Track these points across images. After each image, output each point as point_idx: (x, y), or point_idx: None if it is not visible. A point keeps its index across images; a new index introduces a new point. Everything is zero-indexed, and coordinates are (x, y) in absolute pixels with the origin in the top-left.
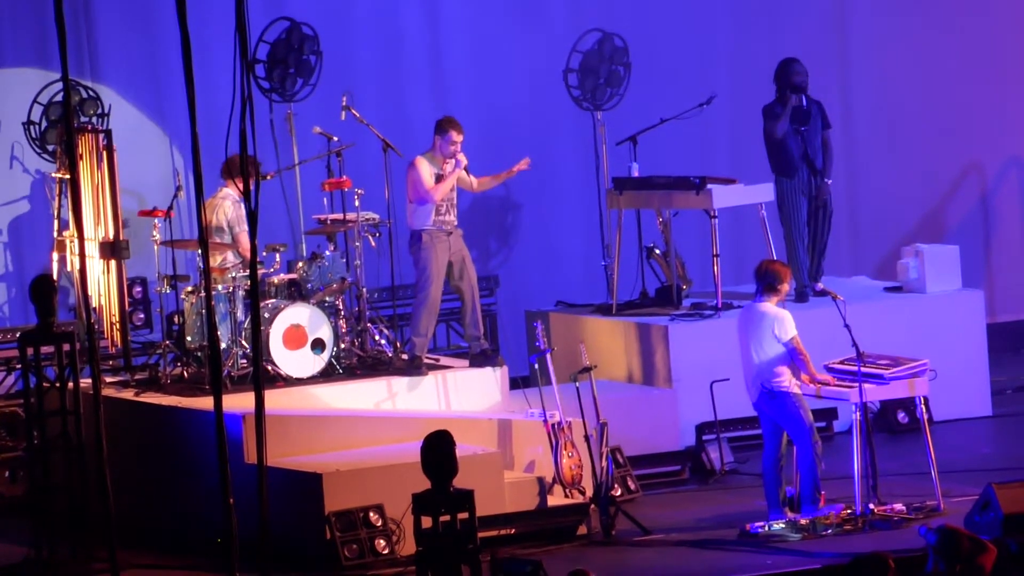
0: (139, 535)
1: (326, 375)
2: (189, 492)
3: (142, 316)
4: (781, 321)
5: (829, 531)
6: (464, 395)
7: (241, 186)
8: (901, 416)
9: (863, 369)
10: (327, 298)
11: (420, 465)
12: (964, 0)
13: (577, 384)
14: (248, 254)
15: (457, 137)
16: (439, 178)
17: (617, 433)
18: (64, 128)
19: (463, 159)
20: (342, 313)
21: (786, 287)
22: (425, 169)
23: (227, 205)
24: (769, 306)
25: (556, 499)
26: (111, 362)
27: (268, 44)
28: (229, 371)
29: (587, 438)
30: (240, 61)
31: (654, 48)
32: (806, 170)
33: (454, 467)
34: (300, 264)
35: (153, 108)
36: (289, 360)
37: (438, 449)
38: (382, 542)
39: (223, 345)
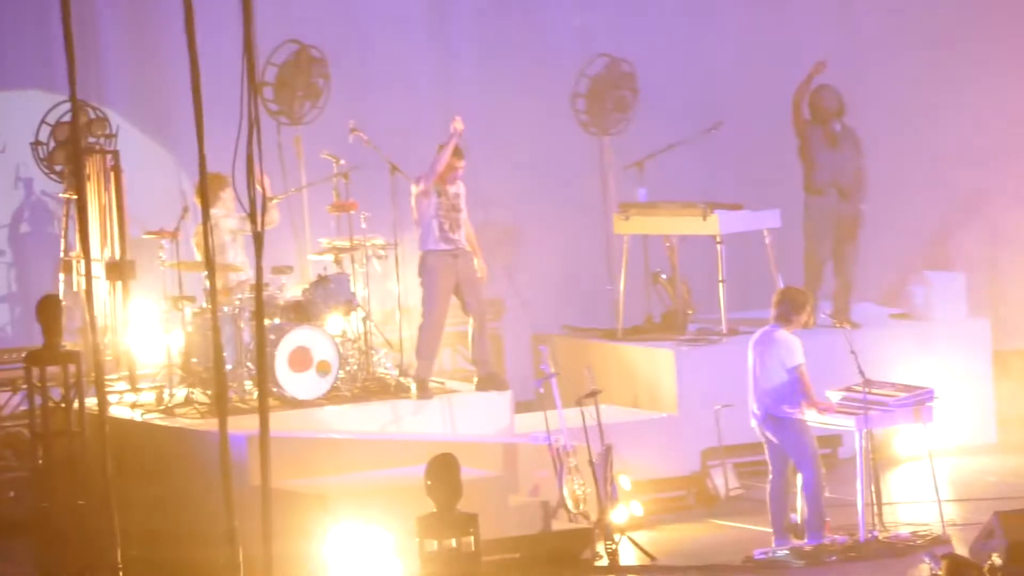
0: (143, 556)
1: (331, 398)
2: (193, 513)
3: (147, 337)
4: (789, 348)
5: (833, 558)
6: (469, 419)
7: (223, 204)
8: (906, 444)
9: (868, 396)
10: (333, 321)
11: (425, 488)
12: (970, 33)
13: (582, 408)
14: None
15: (458, 163)
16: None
17: (622, 458)
18: (72, 148)
19: (459, 125)
20: (347, 336)
21: (803, 318)
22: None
23: (220, 224)
24: (781, 332)
25: (561, 524)
26: (116, 383)
27: (276, 67)
28: (234, 392)
29: (592, 463)
30: (248, 84)
31: (662, 74)
32: (834, 193)
33: (459, 490)
34: (306, 286)
35: (159, 130)
36: (294, 382)
37: (443, 472)
38: (387, 565)
39: (229, 367)
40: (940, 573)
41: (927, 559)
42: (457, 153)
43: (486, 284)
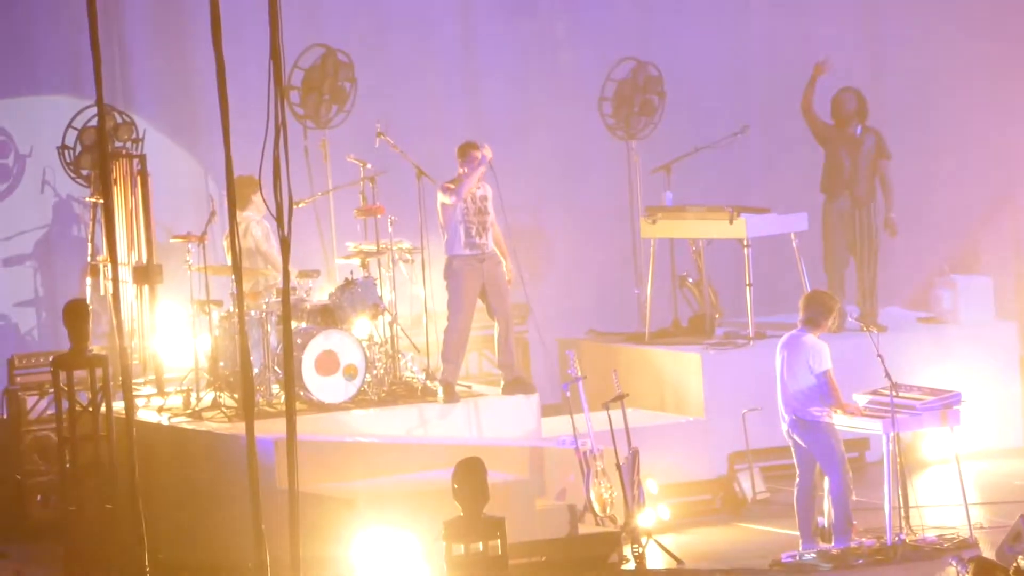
0: (171, 559)
1: (358, 401)
2: (221, 516)
3: (175, 341)
4: (817, 352)
5: (860, 561)
6: (496, 422)
7: (255, 207)
8: (933, 447)
9: (895, 399)
10: (359, 325)
11: (452, 492)
12: (998, 35)
13: (609, 412)
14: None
15: (478, 153)
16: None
17: (649, 462)
18: (98, 153)
19: (488, 152)
20: (374, 339)
21: (830, 322)
22: (450, 184)
23: (253, 227)
24: (809, 337)
25: (587, 527)
26: (143, 386)
27: (303, 71)
28: (261, 396)
29: (619, 466)
30: (274, 87)
31: (688, 77)
32: (848, 198)
33: (485, 494)
34: (333, 290)
35: (185, 135)
36: (321, 386)
37: (470, 476)
38: (414, 569)
39: (256, 370)
40: None
41: (954, 562)
42: (475, 145)
43: (512, 288)
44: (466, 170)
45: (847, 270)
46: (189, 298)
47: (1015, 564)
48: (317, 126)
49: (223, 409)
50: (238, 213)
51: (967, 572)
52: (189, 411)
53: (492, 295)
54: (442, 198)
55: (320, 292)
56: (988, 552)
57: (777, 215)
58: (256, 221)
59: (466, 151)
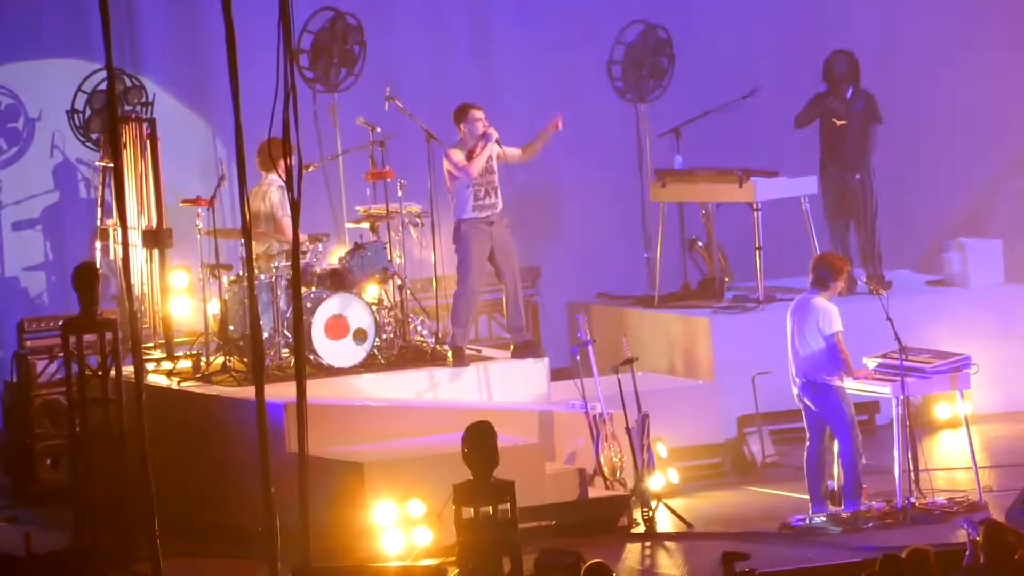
0: (180, 523)
1: (368, 365)
2: (230, 480)
3: (185, 305)
4: (827, 314)
5: (870, 524)
6: (505, 386)
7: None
8: (943, 410)
9: (905, 363)
10: (369, 288)
11: (461, 456)
12: None
13: (619, 376)
14: (290, 240)
15: (479, 114)
16: (471, 157)
17: (658, 425)
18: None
19: (493, 132)
20: (384, 303)
21: (839, 284)
22: (456, 154)
23: (273, 191)
24: (819, 299)
25: (597, 491)
26: (153, 351)
27: (312, 34)
28: (271, 360)
29: (628, 430)
30: (284, 51)
31: (697, 40)
32: (838, 163)
33: (495, 458)
34: (343, 254)
35: (195, 99)
36: (331, 350)
37: (479, 440)
38: (423, 532)
39: (265, 334)
40: (979, 539)
41: (965, 525)
42: (473, 106)
43: (522, 251)
44: (465, 131)
45: (848, 234)
46: (199, 262)
47: None
48: (326, 90)
49: (232, 373)
50: (263, 175)
51: (978, 535)
52: (199, 375)
53: (501, 258)
54: (449, 167)
55: (330, 256)
56: (998, 515)
57: (787, 178)
58: (279, 186)
59: (464, 113)
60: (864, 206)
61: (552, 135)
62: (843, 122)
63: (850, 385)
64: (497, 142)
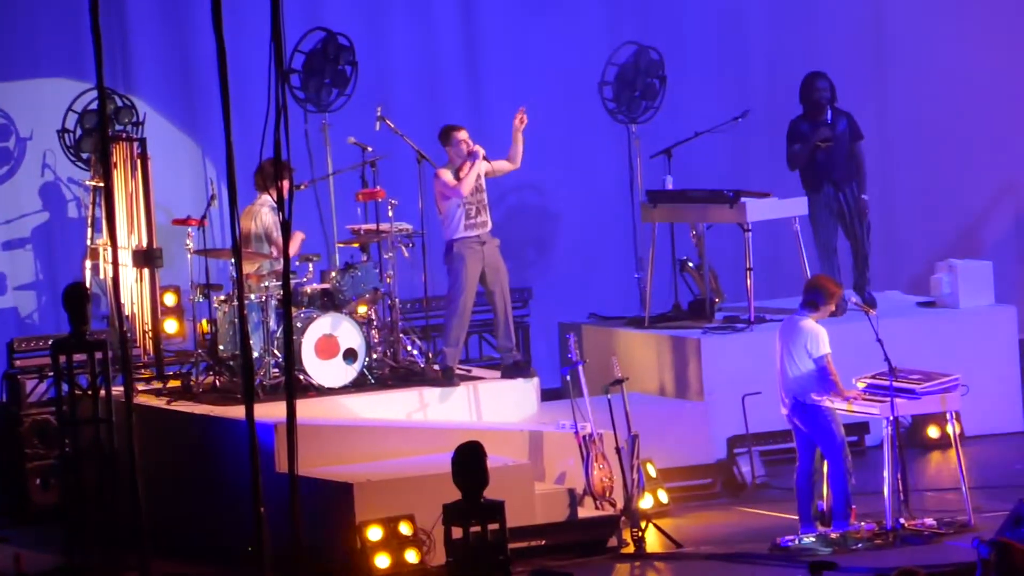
0: (170, 543)
1: (358, 385)
2: (220, 501)
3: (177, 326)
4: (815, 337)
5: (860, 545)
6: (496, 406)
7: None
8: (933, 431)
9: (895, 384)
10: (360, 308)
11: (451, 476)
12: (1003, 15)
13: (609, 396)
14: (292, 256)
15: (462, 135)
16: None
17: (649, 446)
18: (99, 136)
19: (479, 150)
20: (374, 323)
21: (830, 307)
22: (446, 174)
23: (265, 212)
24: (808, 321)
25: (587, 511)
26: (143, 371)
27: (303, 54)
28: (261, 380)
29: (618, 450)
30: (275, 71)
31: (690, 61)
32: (830, 186)
33: (485, 478)
34: (333, 274)
35: (185, 119)
36: (321, 370)
37: (469, 460)
38: (413, 552)
39: (255, 354)
40: (989, 559)
41: (975, 544)
42: (456, 128)
43: (513, 272)
44: (452, 153)
45: (837, 257)
46: (189, 282)
47: None
48: (318, 110)
49: (223, 393)
50: (258, 195)
51: (989, 555)
52: (189, 395)
53: (491, 278)
54: (440, 187)
55: (320, 276)
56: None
57: (778, 199)
58: (271, 207)
59: (447, 135)
60: (861, 219)
61: (521, 129)
62: (829, 143)
63: (840, 406)
64: (484, 158)
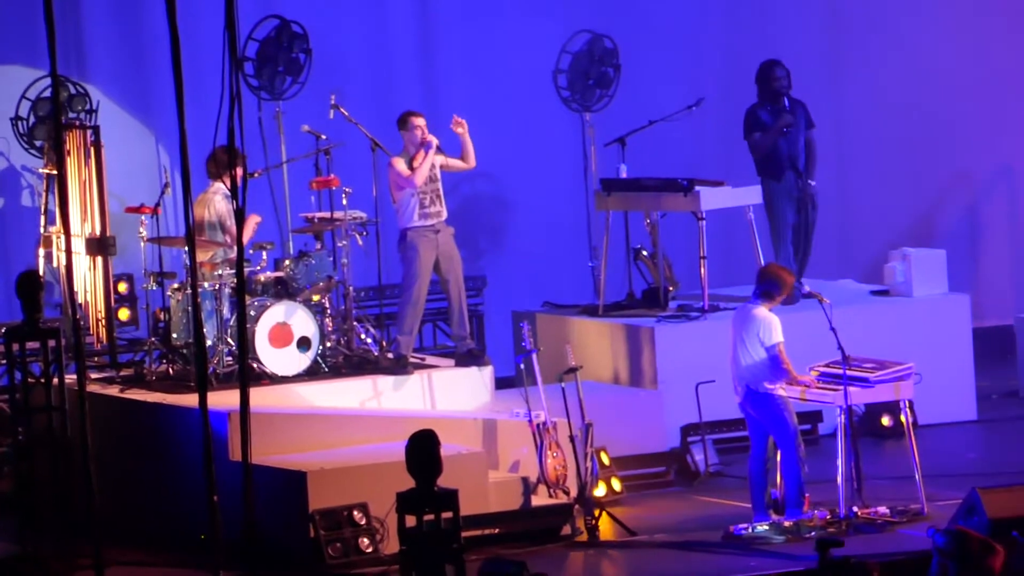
0: (124, 532)
1: (312, 373)
2: (174, 489)
3: (128, 313)
4: (768, 325)
5: (813, 534)
6: (450, 395)
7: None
8: (886, 420)
9: (848, 372)
10: (313, 296)
11: (405, 464)
12: (957, 7)
13: (563, 385)
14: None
15: (418, 121)
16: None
17: (602, 434)
18: (52, 124)
19: (433, 140)
20: (328, 311)
21: (783, 295)
22: (400, 164)
23: (218, 200)
24: (761, 309)
25: (540, 499)
26: (97, 358)
27: (257, 42)
28: (215, 368)
29: (572, 439)
30: (229, 58)
31: (644, 50)
32: (792, 173)
33: (439, 466)
34: (287, 262)
35: (139, 106)
36: (275, 358)
37: (423, 448)
38: (366, 541)
39: (209, 342)
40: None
41: (930, 533)
42: (414, 114)
43: (467, 261)
44: (406, 139)
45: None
46: (143, 270)
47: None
48: (272, 97)
49: (176, 381)
50: (211, 183)
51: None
52: (142, 383)
53: (446, 267)
54: (394, 176)
55: (274, 264)
56: (941, 525)
57: (732, 188)
58: (224, 194)
59: (404, 120)
60: (812, 211)
61: (464, 132)
62: (791, 127)
63: (793, 394)
64: (438, 149)
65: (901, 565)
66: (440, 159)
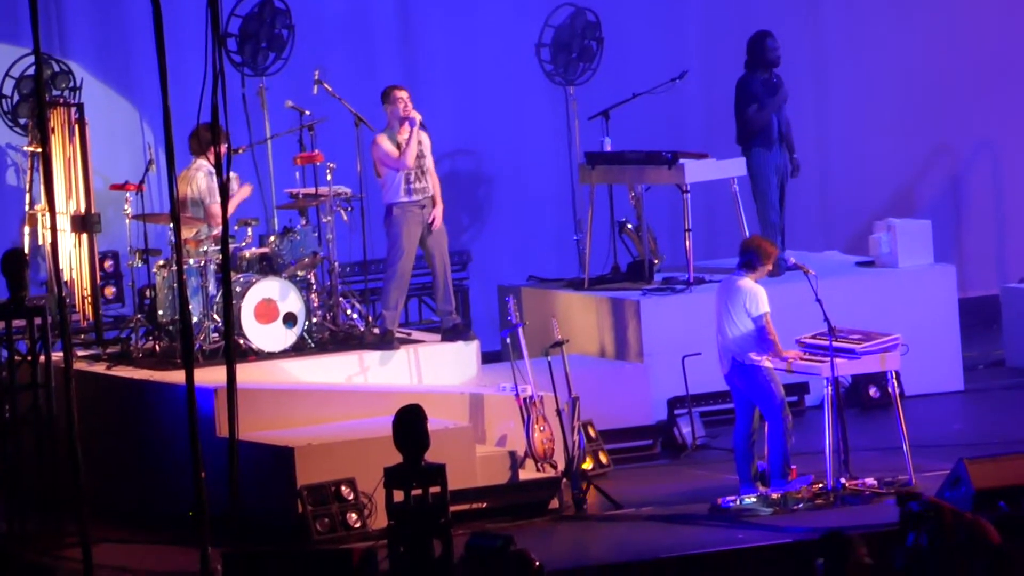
0: (110, 509)
1: (297, 349)
2: (161, 466)
3: (114, 290)
4: (754, 296)
5: (800, 506)
6: (436, 369)
7: (213, 158)
8: (873, 391)
9: (835, 344)
10: (299, 272)
11: (392, 439)
12: None
13: (549, 359)
14: (220, 225)
15: (401, 93)
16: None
17: (589, 407)
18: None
19: (416, 116)
20: (314, 287)
21: (768, 267)
22: (386, 142)
23: (200, 176)
24: (746, 281)
25: (528, 473)
26: (82, 336)
27: (240, 18)
28: (201, 345)
29: (559, 412)
30: (212, 35)
31: (627, 23)
32: (782, 144)
33: (426, 441)
34: (272, 238)
35: (122, 83)
36: (261, 334)
37: (410, 423)
38: (354, 516)
39: (195, 319)
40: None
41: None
42: (397, 87)
43: (452, 235)
44: (389, 112)
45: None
46: (128, 247)
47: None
48: (255, 73)
49: (162, 358)
50: (194, 159)
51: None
52: (128, 360)
53: (431, 241)
54: (381, 155)
55: (259, 240)
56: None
57: (716, 161)
58: (207, 171)
59: (388, 93)
60: (787, 182)
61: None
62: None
63: (779, 366)
64: (421, 125)
65: (888, 536)
66: (428, 140)
